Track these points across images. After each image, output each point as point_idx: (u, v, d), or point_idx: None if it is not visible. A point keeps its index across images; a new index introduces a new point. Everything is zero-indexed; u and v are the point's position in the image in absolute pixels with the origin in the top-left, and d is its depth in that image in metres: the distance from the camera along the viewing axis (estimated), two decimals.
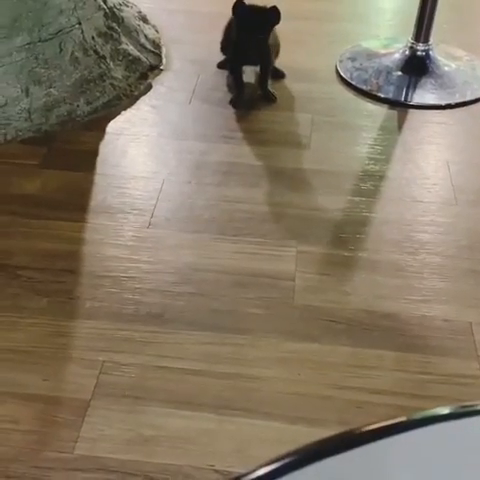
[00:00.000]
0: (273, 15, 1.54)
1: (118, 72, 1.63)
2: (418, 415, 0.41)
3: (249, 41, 1.58)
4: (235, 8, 1.55)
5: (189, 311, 1.13)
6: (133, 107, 1.64)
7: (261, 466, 0.39)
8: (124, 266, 1.21)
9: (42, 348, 1.05)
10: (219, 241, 1.27)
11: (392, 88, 1.71)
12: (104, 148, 1.52)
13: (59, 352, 1.05)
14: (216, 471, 0.90)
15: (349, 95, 1.70)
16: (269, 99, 1.65)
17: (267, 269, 1.20)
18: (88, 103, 1.57)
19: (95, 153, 1.50)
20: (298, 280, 1.18)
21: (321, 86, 1.73)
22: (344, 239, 1.27)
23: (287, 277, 1.18)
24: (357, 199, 1.37)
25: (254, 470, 0.39)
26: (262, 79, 1.66)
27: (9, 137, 1.47)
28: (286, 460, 0.39)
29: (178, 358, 1.05)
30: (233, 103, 1.63)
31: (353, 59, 1.82)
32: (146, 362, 1.04)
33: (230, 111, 1.62)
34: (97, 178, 1.43)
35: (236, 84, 1.66)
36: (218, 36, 1.73)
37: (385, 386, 1.00)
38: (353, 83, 1.73)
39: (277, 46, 1.69)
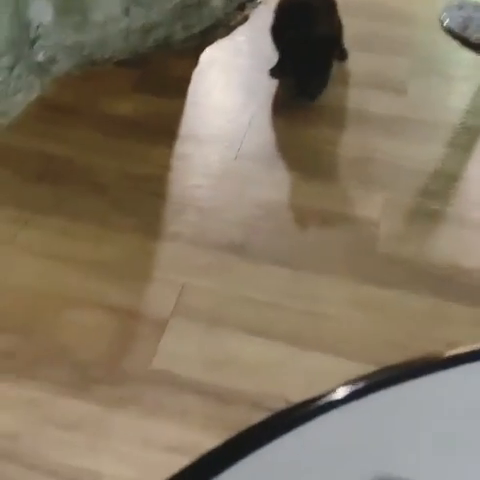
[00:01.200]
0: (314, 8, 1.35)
1: (217, 1, 1.61)
2: None
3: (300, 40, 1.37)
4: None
5: (270, 246, 1.13)
6: (228, 37, 1.62)
7: (344, 384, 0.40)
8: (209, 195, 1.22)
9: (127, 264, 1.09)
10: (304, 180, 1.26)
11: None
12: (196, 76, 1.51)
13: (143, 270, 1.08)
14: (285, 400, 0.92)
15: (452, 44, 1.63)
16: (343, 56, 1.55)
17: (352, 213, 1.19)
18: (185, 29, 1.55)
19: (187, 80, 1.50)
20: (383, 227, 1.16)
21: (423, 32, 1.66)
22: (433, 191, 1.24)
23: (372, 223, 1.17)
24: (451, 152, 1.33)
25: (337, 388, 0.39)
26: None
27: (106, 56, 1.48)
28: (373, 379, 0.40)
29: (256, 289, 1.06)
30: (273, 72, 1.49)
31: (460, 7, 1.73)
32: (224, 289, 1.06)
33: None
34: (187, 106, 1.43)
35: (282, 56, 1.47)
36: None
37: (462, 339, 0.99)
38: (457, 32, 1.65)
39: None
